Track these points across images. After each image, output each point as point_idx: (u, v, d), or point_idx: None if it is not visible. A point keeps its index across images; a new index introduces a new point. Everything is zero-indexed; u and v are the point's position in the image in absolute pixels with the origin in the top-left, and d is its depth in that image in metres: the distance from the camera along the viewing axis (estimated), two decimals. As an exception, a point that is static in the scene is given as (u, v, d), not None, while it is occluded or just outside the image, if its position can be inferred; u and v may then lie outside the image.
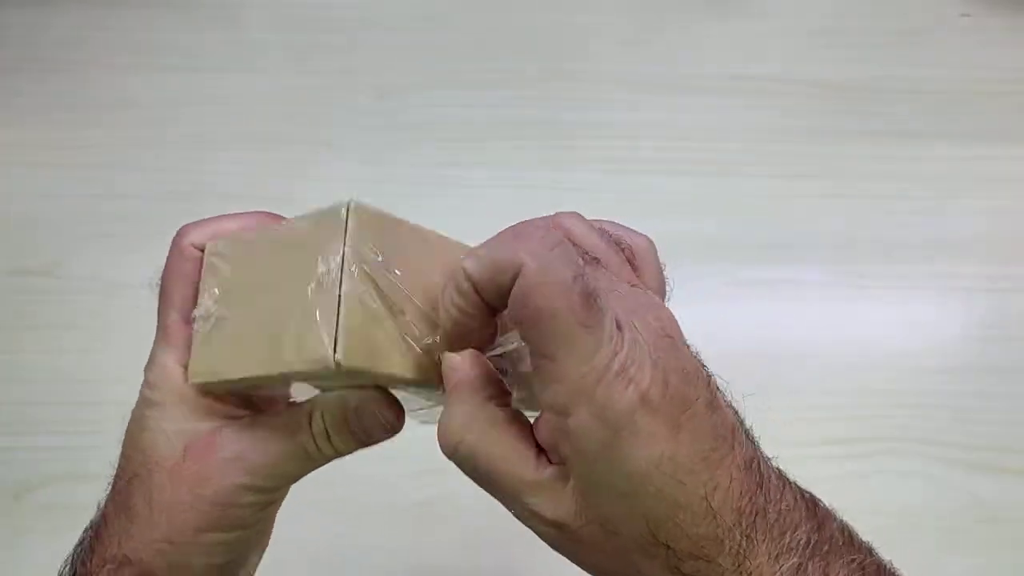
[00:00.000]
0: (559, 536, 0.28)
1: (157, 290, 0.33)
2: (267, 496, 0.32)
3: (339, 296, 0.27)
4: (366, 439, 0.32)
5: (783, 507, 0.28)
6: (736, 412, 0.29)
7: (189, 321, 0.32)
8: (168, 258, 0.33)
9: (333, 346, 0.26)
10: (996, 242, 0.74)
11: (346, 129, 0.80)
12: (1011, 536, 0.63)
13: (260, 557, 0.36)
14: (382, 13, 0.88)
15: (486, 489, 0.29)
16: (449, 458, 0.29)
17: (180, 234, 0.33)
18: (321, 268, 0.27)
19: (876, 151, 0.79)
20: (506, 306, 0.27)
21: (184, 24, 0.86)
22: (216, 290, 0.31)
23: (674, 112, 0.81)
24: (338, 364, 0.26)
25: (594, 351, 0.26)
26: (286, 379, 0.30)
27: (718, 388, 0.28)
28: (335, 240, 0.28)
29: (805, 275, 0.72)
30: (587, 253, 0.29)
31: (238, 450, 0.31)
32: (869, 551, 0.29)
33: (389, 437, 0.32)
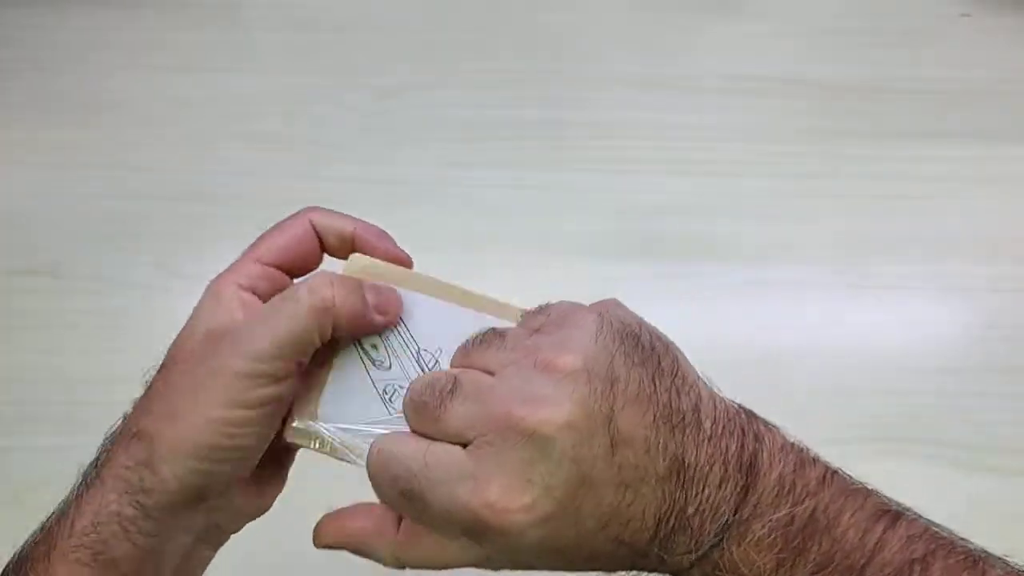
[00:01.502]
0: (496, 513, 0.29)
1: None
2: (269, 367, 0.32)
3: None
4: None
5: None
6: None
7: (259, 262, 0.35)
8: (286, 218, 0.36)
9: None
10: (996, 242, 0.74)
11: (346, 129, 0.80)
12: (1011, 536, 0.63)
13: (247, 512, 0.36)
14: (383, 13, 0.88)
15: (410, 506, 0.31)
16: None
17: (307, 209, 0.36)
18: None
19: (876, 151, 0.79)
20: None
21: (184, 24, 0.86)
22: None
23: (674, 112, 0.81)
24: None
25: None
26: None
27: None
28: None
29: (805, 275, 0.72)
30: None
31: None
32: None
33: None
